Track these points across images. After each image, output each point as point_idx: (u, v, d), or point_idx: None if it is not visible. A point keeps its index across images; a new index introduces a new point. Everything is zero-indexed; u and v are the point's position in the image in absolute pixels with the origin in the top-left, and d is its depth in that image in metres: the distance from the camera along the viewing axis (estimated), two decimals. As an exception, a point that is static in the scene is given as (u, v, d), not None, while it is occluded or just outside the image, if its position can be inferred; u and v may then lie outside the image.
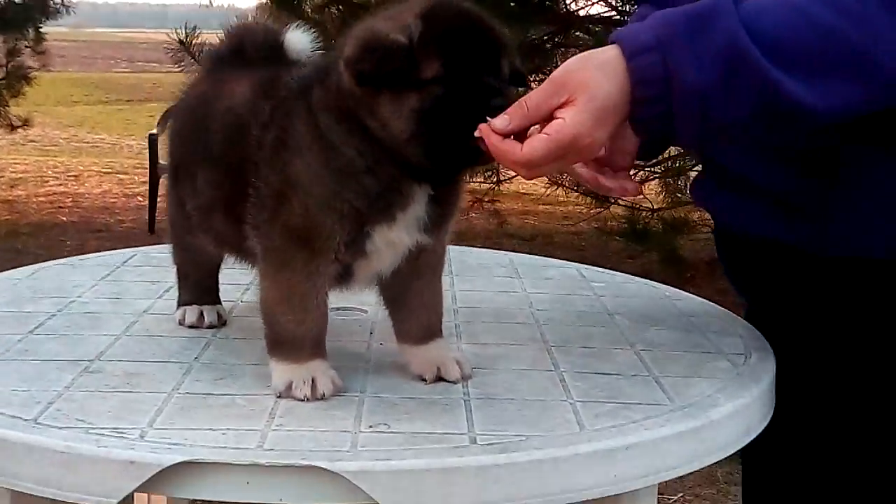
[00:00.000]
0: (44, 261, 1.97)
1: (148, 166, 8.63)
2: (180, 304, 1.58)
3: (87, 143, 16.90)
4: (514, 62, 1.29)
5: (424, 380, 1.35)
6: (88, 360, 1.38)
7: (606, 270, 2.03)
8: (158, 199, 8.26)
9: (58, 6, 9.59)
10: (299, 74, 1.35)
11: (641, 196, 5.52)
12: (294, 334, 1.30)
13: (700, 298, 1.82)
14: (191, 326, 1.55)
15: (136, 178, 11.67)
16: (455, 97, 1.21)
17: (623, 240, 5.86)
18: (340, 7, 8.63)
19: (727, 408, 1.28)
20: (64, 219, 9.18)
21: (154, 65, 39.34)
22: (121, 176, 11.90)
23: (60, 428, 1.16)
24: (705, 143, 1.41)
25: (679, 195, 5.81)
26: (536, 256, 2.18)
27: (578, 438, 1.17)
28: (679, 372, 1.40)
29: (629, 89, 1.22)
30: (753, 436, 1.32)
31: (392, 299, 1.39)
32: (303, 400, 1.26)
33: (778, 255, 1.46)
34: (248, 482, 1.10)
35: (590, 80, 1.22)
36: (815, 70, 1.18)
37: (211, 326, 1.54)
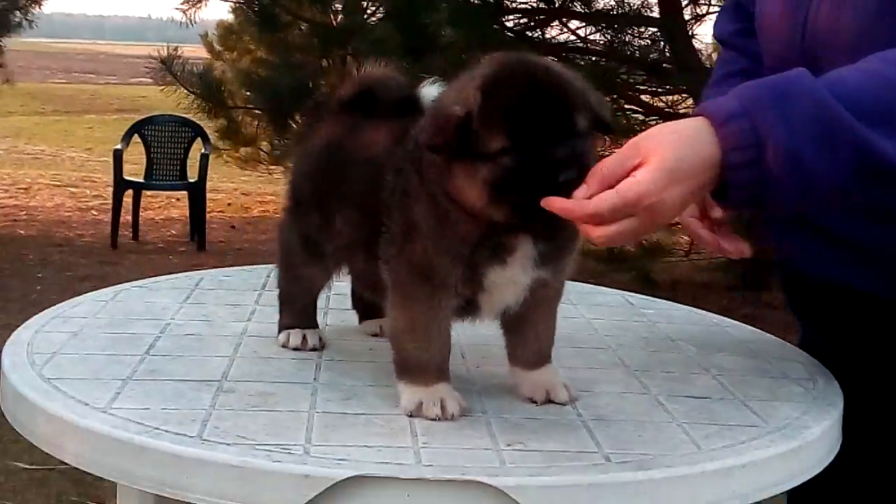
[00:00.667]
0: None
1: (98, 181, 8.65)
2: (282, 327, 1.67)
3: (28, 154, 16.70)
4: (595, 110, 1.32)
5: (534, 401, 1.45)
6: (217, 381, 1.46)
7: (650, 297, 2.16)
8: (123, 214, 8.21)
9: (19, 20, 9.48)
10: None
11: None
12: (420, 360, 1.40)
13: (748, 326, 1.96)
14: (294, 349, 1.63)
15: (87, 191, 11.61)
16: (524, 170, 1.27)
17: (599, 262, 6.02)
18: (302, 27, 8.75)
19: (816, 430, 1.40)
20: (22, 232, 9.11)
21: (91, 76, 38.90)
22: (72, 189, 11.81)
23: (228, 444, 1.24)
24: (799, 208, 1.43)
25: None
26: (580, 283, 2.29)
27: (700, 457, 1.28)
28: (760, 395, 1.52)
29: (719, 157, 1.27)
30: (832, 457, 1.44)
31: (509, 326, 1.49)
32: (434, 419, 1.35)
33: (850, 297, 1.59)
34: (408, 495, 1.20)
35: (663, 143, 1.28)
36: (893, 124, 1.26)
37: (313, 349, 1.63)
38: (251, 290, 1.98)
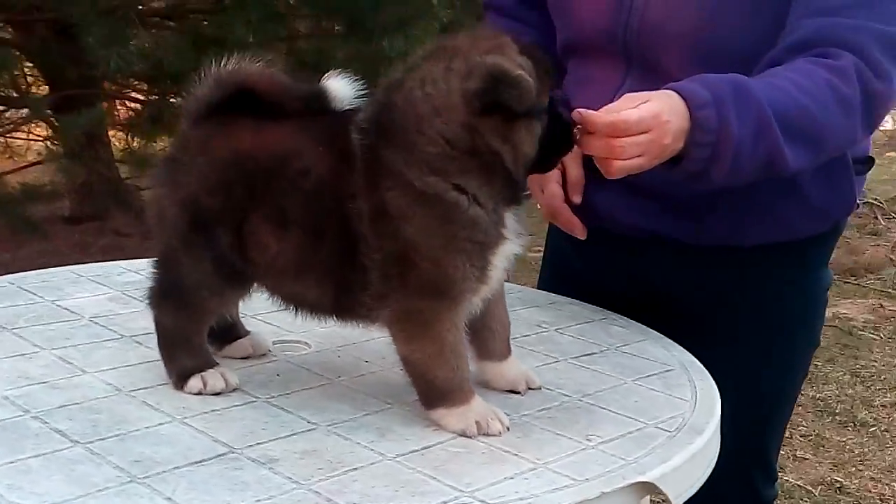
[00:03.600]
0: None
1: None
2: (184, 373, 1.42)
3: None
4: None
5: (517, 392, 1.48)
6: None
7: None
8: None
9: None
10: (360, 135, 1.33)
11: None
12: (453, 382, 1.34)
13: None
14: (214, 394, 1.42)
15: None
16: (557, 125, 1.38)
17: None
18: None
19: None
20: None
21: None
22: None
23: None
24: (718, 183, 1.59)
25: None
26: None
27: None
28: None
29: (688, 131, 1.49)
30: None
31: (475, 321, 1.46)
32: (498, 434, 1.33)
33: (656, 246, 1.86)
34: None
35: (662, 94, 1.48)
36: (795, 137, 1.54)
37: (218, 392, 1.42)
38: None
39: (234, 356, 1.56)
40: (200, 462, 1.21)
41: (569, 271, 2.04)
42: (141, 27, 5.28)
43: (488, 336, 1.48)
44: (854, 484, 3.63)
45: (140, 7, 5.32)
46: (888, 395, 4.47)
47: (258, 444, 1.27)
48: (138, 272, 1.97)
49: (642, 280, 1.92)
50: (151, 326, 1.52)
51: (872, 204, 7.65)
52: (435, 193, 1.29)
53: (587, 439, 1.33)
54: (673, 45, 1.71)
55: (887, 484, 3.63)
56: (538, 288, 2.10)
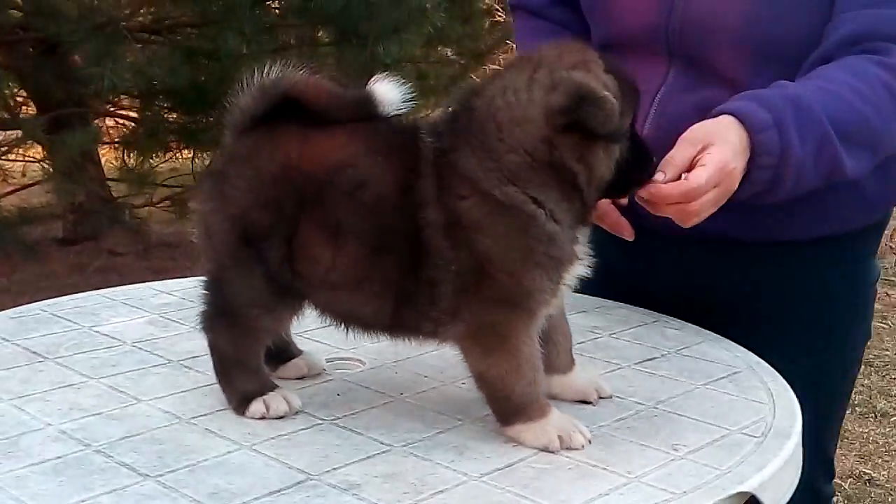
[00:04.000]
0: None
1: None
2: (245, 397, 1.37)
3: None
4: None
5: (589, 402, 1.43)
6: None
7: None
8: None
9: None
10: (433, 138, 1.29)
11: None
12: (531, 396, 1.29)
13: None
14: (277, 418, 1.36)
15: None
16: (637, 151, 1.34)
17: None
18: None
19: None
20: None
21: None
22: None
23: None
24: (781, 200, 1.58)
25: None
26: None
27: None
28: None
29: (749, 156, 1.46)
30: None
31: (542, 336, 1.42)
32: (580, 448, 1.28)
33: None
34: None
35: (721, 131, 1.45)
36: (854, 146, 1.52)
37: (281, 416, 1.36)
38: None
39: (289, 377, 1.50)
40: (280, 491, 1.16)
41: (614, 274, 1.98)
42: (132, 42, 5.20)
43: (552, 349, 1.43)
44: (883, 476, 3.60)
45: (124, 24, 5.23)
46: (905, 384, 4.44)
47: (335, 468, 1.22)
48: (171, 293, 1.91)
49: (690, 280, 1.87)
50: (197, 349, 1.48)
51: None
52: (513, 204, 1.24)
53: (674, 449, 1.28)
54: (718, 40, 1.67)
55: (916, 474, 3.60)
56: (582, 292, 2.04)
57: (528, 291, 1.25)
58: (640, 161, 1.35)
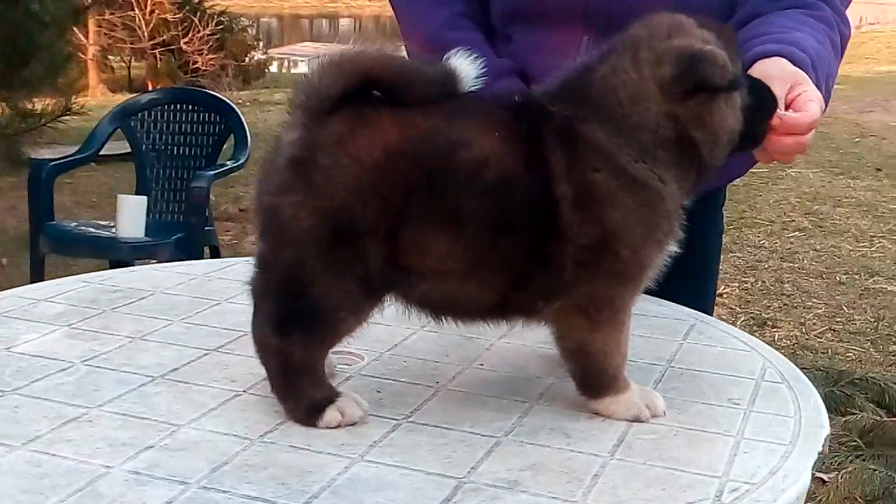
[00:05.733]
0: None
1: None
2: (316, 405, 1.27)
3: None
4: None
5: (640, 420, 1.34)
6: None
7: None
8: None
9: None
10: (557, 111, 1.27)
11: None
12: (620, 368, 1.32)
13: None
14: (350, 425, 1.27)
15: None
16: (756, 91, 1.36)
17: None
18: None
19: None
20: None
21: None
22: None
23: None
24: None
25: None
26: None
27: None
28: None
29: None
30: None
31: None
32: (663, 413, 1.33)
33: None
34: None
35: (796, 70, 1.49)
36: (826, 93, 1.59)
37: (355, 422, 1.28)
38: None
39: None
40: (451, 500, 1.10)
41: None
42: None
43: None
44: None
45: None
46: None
47: (472, 468, 1.18)
48: (52, 301, 1.68)
49: None
50: (162, 360, 1.42)
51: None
52: (643, 180, 1.25)
53: (733, 403, 1.37)
54: (640, 5, 1.74)
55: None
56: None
57: (644, 266, 1.27)
58: (763, 100, 1.36)
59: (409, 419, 1.30)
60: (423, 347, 1.53)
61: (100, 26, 14.85)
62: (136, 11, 14.33)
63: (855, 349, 4.87)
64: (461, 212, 1.21)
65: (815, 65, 1.56)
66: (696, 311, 1.76)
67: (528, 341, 1.54)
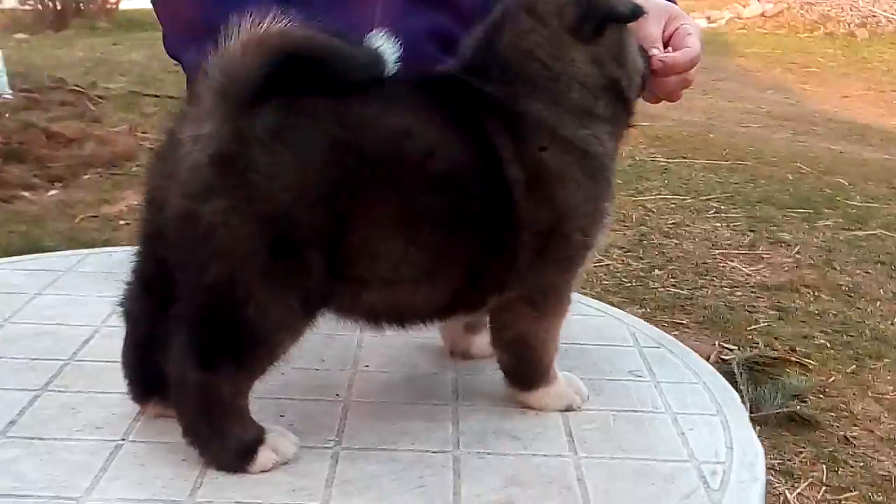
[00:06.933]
0: None
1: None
2: (251, 445, 1.08)
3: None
4: None
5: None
6: None
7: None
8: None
9: None
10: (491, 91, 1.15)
11: None
12: (553, 359, 1.25)
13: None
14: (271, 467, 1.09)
15: None
16: None
17: None
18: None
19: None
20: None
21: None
22: None
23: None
24: None
25: None
26: None
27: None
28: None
29: None
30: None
31: None
32: (588, 399, 1.28)
33: None
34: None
35: (668, 5, 1.40)
36: None
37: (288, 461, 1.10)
38: None
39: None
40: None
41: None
42: None
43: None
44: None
45: None
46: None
47: (456, 493, 1.06)
48: None
49: None
50: None
51: (80, 91, 7.54)
52: (585, 148, 1.15)
53: (635, 375, 1.36)
54: None
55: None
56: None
57: (589, 248, 1.19)
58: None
59: (342, 445, 1.14)
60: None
61: None
62: None
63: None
64: (414, 209, 1.06)
65: None
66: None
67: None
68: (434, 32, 1.55)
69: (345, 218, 1.03)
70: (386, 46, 1.09)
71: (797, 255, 5.08)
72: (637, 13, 1.19)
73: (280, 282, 1.02)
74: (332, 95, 1.04)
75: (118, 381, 1.22)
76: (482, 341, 1.36)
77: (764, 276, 4.80)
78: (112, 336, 1.37)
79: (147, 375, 1.15)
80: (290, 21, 1.03)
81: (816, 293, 4.68)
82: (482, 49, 1.18)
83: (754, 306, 4.42)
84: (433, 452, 1.13)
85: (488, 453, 1.14)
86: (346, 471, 1.08)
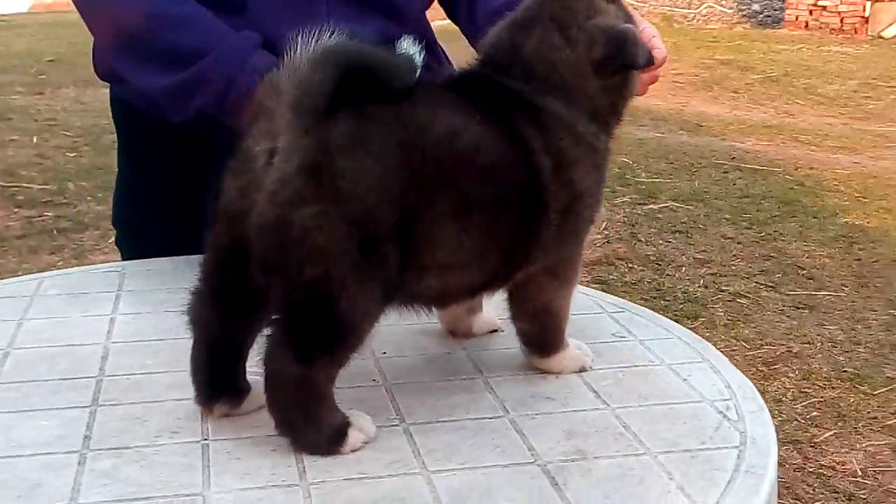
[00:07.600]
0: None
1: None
2: (342, 428, 1.17)
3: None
4: None
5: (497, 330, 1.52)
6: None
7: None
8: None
9: None
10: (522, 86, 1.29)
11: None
12: (566, 324, 1.39)
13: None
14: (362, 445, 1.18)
15: None
16: None
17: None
18: None
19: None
20: None
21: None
22: None
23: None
24: None
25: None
26: None
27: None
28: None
29: None
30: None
31: None
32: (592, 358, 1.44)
33: None
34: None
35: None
36: None
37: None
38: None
39: (250, 410, 1.25)
40: (562, 486, 1.11)
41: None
42: None
43: None
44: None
45: None
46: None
47: (532, 450, 1.18)
48: None
49: None
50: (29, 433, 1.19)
51: None
52: (593, 143, 1.31)
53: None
54: None
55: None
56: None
57: (593, 223, 1.35)
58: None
59: (406, 422, 1.24)
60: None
61: None
62: None
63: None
64: (466, 199, 1.19)
65: None
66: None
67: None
68: (382, 39, 1.66)
69: (413, 213, 1.14)
70: (416, 52, 1.20)
71: (605, 232, 5.44)
72: (649, 63, 1.36)
73: (367, 276, 1.11)
74: (387, 102, 1.14)
75: (161, 392, 1.28)
76: (480, 319, 1.50)
77: (581, 253, 5.12)
78: (126, 352, 1.42)
79: (216, 378, 1.21)
80: (341, 34, 1.12)
81: (629, 265, 5.05)
82: (507, 48, 1.32)
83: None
84: (490, 419, 1.25)
85: (537, 414, 1.26)
86: (426, 442, 1.18)
